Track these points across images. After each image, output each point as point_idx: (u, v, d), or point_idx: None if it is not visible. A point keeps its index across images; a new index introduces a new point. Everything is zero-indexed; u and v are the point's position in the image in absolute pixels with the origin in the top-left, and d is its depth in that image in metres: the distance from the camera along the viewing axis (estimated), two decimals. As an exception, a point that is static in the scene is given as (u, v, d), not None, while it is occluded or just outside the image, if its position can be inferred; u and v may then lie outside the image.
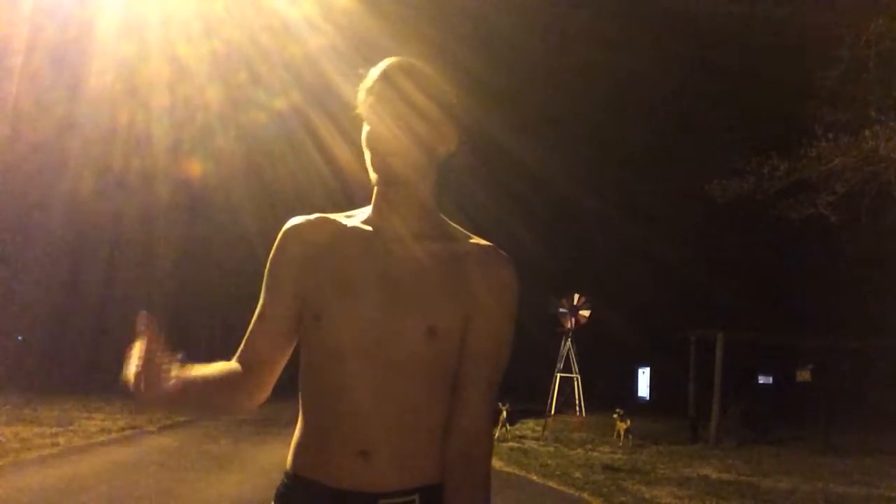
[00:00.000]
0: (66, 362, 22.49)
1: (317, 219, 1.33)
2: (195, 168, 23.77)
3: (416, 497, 1.20)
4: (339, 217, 1.35)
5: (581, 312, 18.94)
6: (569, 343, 19.77)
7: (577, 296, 19.09)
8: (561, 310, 19.06)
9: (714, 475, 9.90)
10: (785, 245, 21.79)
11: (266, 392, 1.32)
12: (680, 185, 23.83)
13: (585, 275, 27.24)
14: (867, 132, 10.55)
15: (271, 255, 1.33)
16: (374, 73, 1.27)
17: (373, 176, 1.28)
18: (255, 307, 1.32)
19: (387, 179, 1.27)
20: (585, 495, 7.91)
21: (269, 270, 1.33)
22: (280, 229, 1.34)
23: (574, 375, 19.89)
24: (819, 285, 22.26)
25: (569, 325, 19.15)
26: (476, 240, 1.33)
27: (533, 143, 26.49)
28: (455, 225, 1.35)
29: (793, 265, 23.97)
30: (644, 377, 31.27)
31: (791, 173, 11.56)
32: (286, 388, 1.50)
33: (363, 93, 1.27)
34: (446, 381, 1.24)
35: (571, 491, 8.21)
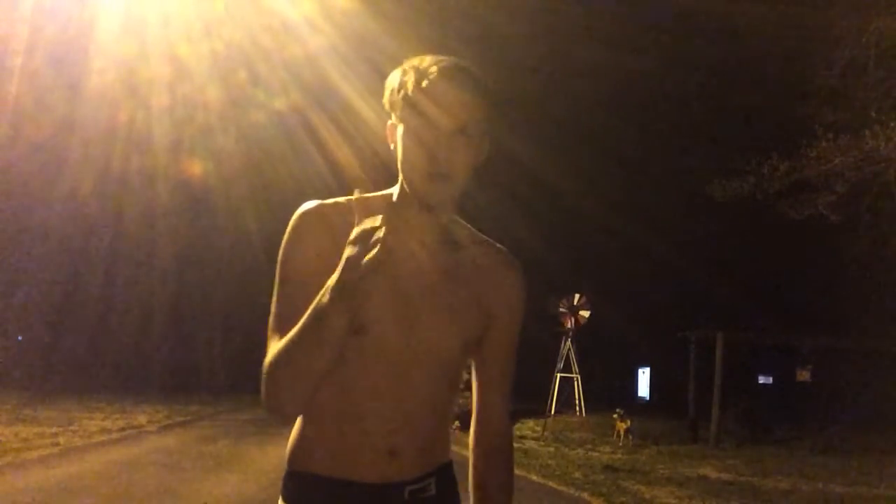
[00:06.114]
0: (66, 362, 22.49)
1: (335, 204, 1.22)
2: (195, 168, 23.77)
3: (432, 480, 1.28)
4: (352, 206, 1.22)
5: (581, 312, 18.96)
6: (569, 343, 19.78)
7: (577, 296, 19.10)
8: (561, 310, 19.07)
9: (714, 475, 9.90)
10: (785, 245, 21.78)
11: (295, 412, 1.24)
12: (680, 185, 23.84)
13: (585, 275, 27.24)
14: (867, 132, 10.54)
15: (288, 246, 1.21)
16: (426, 76, 1.17)
17: (412, 188, 1.20)
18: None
19: (433, 202, 1.20)
20: (585, 495, 7.91)
21: (290, 264, 1.20)
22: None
23: (574, 375, 19.89)
24: (819, 285, 22.26)
25: (569, 325, 19.16)
26: (488, 243, 1.34)
27: (533, 143, 26.48)
28: (464, 222, 1.33)
29: (793, 265, 23.97)
30: (644, 377, 31.24)
31: (791, 173, 11.54)
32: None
33: (413, 90, 1.17)
34: (460, 379, 1.33)
35: (571, 491, 8.21)
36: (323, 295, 1.07)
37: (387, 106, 1.23)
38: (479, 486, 1.37)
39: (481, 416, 1.38)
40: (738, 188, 12.24)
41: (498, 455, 1.39)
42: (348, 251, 1.03)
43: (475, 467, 1.37)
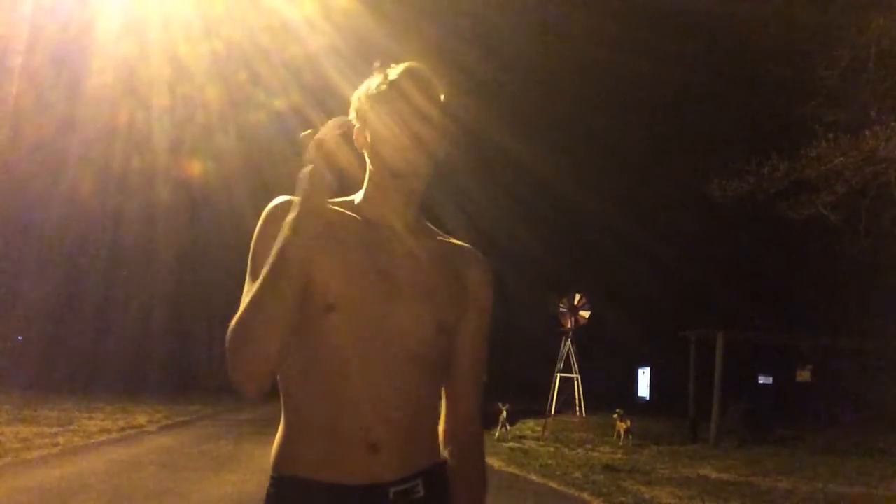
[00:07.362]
0: (66, 362, 22.48)
1: None
2: (195, 168, 23.76)
3: (419, 481, 1.25)
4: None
5: (581, 312, 18.95)
6: (569, 343, 19.76)
7: (577, 296, 19.10)
8: (561, 310, 19.08)
9: (714, 475, 9.90)
10: (785, 245, 21.79)
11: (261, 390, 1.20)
12: (680, 185, 23.83)
13: (585, 275, 27.26)
14: (867, 132, 10.55)
15: (256, 240, 1.25)
16: (391, 75, 1.29)
17: (380, 167, 1.30)
18: None
19: (400, 172, 1.28)
20: (585, 495, 7.91)
21: (257, 259, 1.22)
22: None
23: (574, 375, 19.87)
24: (819, 285, 22.27)
25: (569, 325, 19.16)
26: (455, 240, 1.41)
27: (533, 143, 26.48)
28: (430, 224, 1.40)
29: (793, 265, 23.97)
30: (644, 377, 31.25)
31: (791, 173, 11.55)
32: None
33: (380, 90, 1.29)
34: (443, 371, 1.33)
35: (571, 491, 8.21)
36: (283, 230, 1.17)
37: (354, 116, 1.33)
38: (452, 480, 1.34)
39: (451, 408, 1.37)
40: (738, 188, 12.25)
41: (469, 448, 1.37)
42: (300, 184, 1.18)
43: (447, 461, 1.35)
